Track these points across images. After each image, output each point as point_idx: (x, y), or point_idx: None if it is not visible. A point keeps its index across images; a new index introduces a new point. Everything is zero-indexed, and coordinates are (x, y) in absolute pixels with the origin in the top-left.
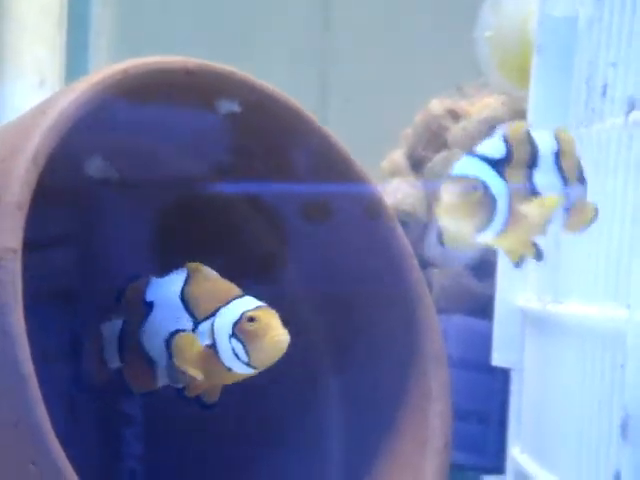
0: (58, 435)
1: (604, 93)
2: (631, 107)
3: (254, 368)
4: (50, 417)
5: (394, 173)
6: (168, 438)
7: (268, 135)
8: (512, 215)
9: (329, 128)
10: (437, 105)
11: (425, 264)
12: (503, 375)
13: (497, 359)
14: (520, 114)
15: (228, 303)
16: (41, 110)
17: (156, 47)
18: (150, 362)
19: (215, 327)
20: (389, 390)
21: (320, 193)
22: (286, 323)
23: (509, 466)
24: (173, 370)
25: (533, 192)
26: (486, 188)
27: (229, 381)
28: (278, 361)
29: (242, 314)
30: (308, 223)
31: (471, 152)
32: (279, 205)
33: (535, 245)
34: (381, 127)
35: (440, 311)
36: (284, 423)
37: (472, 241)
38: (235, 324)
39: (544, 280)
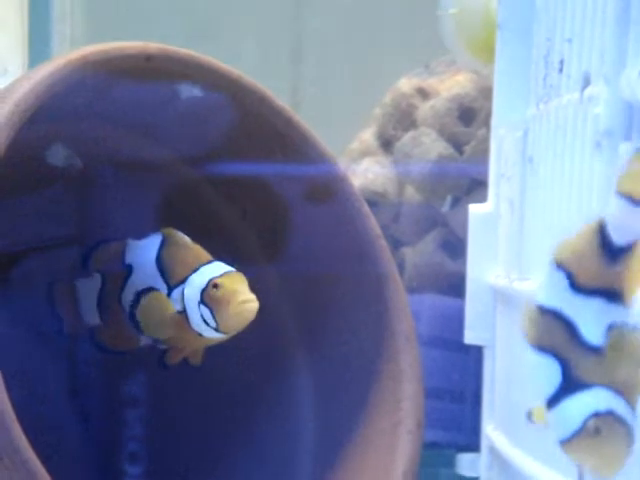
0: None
1: (561, 69)
2: (586, 83)
3: (224, 333)
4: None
5: (364, 153)
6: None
7: (231, 118)
8: None
9: (300, 111)
10: (406, 84)
11: (397, 244)
12: (477, 353)
13: (469, 337)
14: (488, 92)
15: (197, 270)
16: None
17: (122, 33)
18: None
19: (185, 294)
20: (360, 371)
21: (285, 175)
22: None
23: (484, 443)
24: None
25: None
26: None
27: (201, 345)
28: (246, 338)
29: (209, 281)
30: (273, 204)
31: None
32: (243, 187)
33: None
34: (350, 108)
35: (413, 290)
36: (255, 405)
37: None
38: (203, 291)
39: (510, 256)
